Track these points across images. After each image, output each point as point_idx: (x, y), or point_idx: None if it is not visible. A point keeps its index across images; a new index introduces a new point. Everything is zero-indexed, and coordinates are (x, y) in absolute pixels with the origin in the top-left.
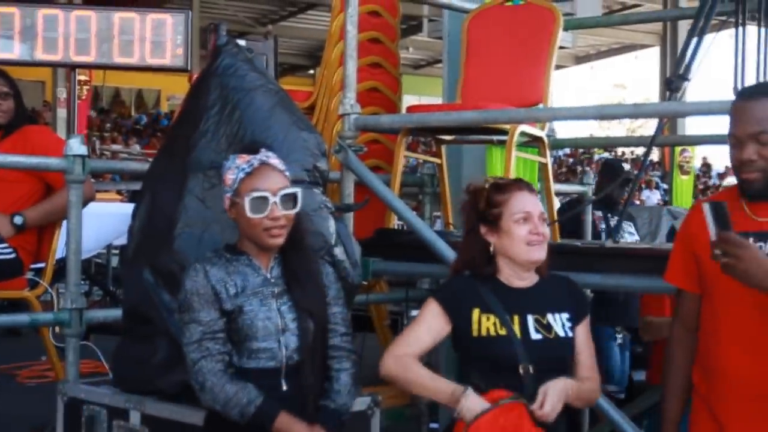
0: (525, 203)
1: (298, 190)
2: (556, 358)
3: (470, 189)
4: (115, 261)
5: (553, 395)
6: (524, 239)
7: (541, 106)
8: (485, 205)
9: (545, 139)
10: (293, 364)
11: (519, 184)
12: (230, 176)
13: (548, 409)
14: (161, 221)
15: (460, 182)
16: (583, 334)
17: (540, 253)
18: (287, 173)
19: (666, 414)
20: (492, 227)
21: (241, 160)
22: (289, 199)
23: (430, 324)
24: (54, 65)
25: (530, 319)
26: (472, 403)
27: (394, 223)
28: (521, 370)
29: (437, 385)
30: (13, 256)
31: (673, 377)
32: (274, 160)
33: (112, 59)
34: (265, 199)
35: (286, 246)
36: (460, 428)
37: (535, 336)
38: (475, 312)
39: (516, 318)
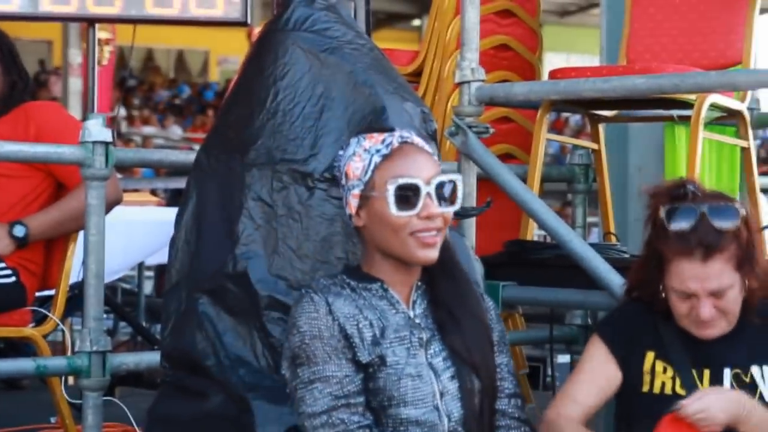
0: (688, 281)
1: (458, 178)
2: None
3: (649, 192)
4: (149, 286)
5: (709, 396)
6: (685, 316)
7: (739, 67)
8: (657, 232)
9: (746, 114)
10: None
11: (691, 245)
12: (357, 164)
13: (692, 402)
14: (216, 232)
15: (625, 175)
16: None
17: (714, 331)
18: (435, 157)
19: None
20: (660, 269)
21: (372, 141)
22: (446, 192)
23: (595, 373)
24: (66, 19)
25: (727, 374)
26: None
27: (533, 233)
28: None
29: None
30: (12, 279)
31: None
32: (418, 139)
33: (144, 10)
34: (415, 188)
35: (433, 269)
36: None
37: None
38: (649, 356)
39: (706, 373)
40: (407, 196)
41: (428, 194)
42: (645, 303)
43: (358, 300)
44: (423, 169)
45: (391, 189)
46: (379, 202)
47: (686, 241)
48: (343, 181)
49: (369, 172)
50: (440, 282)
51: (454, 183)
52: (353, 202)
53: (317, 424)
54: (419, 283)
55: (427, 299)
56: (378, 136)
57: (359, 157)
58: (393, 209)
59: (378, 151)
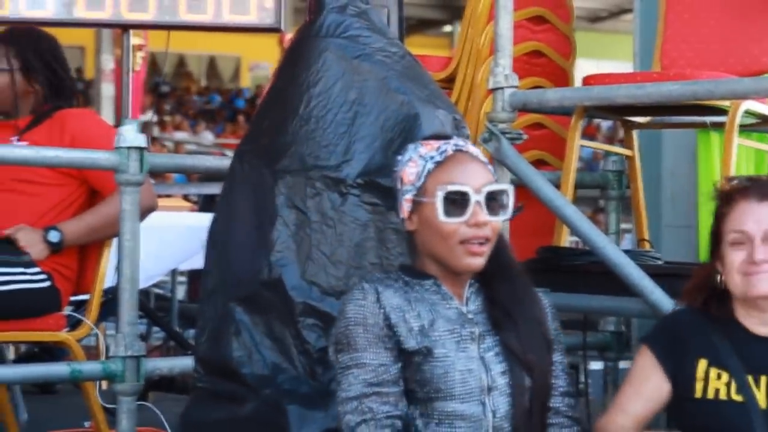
0: (744, 219)
1: (509, 188)
2: None
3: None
4: (182, 292)
5: None
6: (737, 269)
7: None
8: (720, 205)
9: None
10: None
11: (749, 189)
12: (412, 170)
13: None
14: (250, 239)
15: (658, 181)
16: None
17: (765, 286)
18: (490, 167)
19: None
20: (718, 249)
21: (428, 148)
22: (497, 201)
23: (644, 383)
24: (100, 25)
25: None
26: None
27: (566, 239)
28: None
29: None
30: (47, 284)
31: None
32: (473, 148)
33: (177, 17)
34: (464, 195)
35: (489, 269)
36: None
37: None
38: (702, 363)
39: (763, 380)
40: (456, 202)
41: (477, 202)
42: (696, 310)
43: (410, 293)
44: (474, 177)
45: (440, 195)
46: (429, 207)
47: (745, 187)
48: (398, 185)
49: (422, 178)
50: (498, 284)
51: (505, 192)
52: (406, 207)
53: (348, 410)
54: (472, 281)
55: (483, 297)
56: (434, 143)
57: (414, 163)
58: (441, 215)
59: (432, 158)
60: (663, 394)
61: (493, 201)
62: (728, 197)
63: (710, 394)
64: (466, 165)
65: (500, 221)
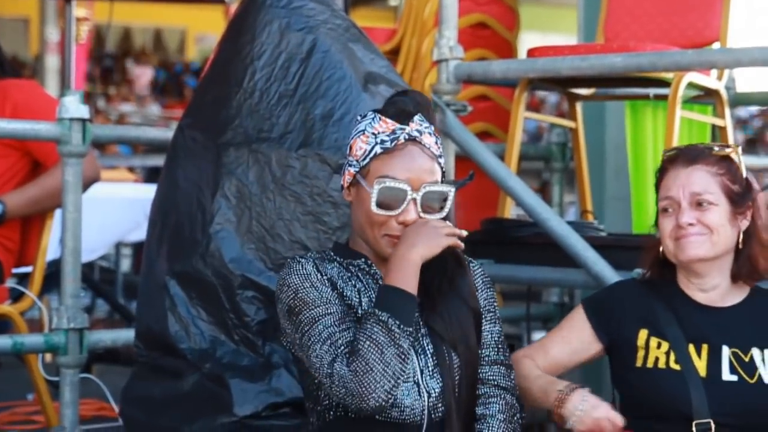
0: (670, 185)
1: (450, 190)
2: (757, 412)
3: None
4: (126, 264)
5: None
6: (668, 235)
7: (717, 45)
8: (655, 190)
9: (723, 92)
10: (438, 419)
11: (677, 156)
12: (362, 144)
13: None
14: (191, 213)
15: (602, 153)
16: None
17: (695, 250)
18: (441, 159)
19: None
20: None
21: (383, 126)
22: (435, 200)
23: (571, 335)
24: None
25: (726, 352)
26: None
27: (510, 210)
28: (695, 428)
29: (542, 385)
30: None
31: None
32: (428, 138)
33: None
34: (400, 192)
35: None
36: None
37: (728, 377)
38: (642, 333)
39: (705, 348)
40: (391, 198)
41: (413, 200)
42: (640, 282)
43: (344, 272)
44: (417, 174)
45: (376, 188)
46: (365, 192)
47: (675, 155)
48: (347, 152)
49: (367, 159)
50: (425, 262)
51: (446, 194)
52: (347, 178)
53: (321, 352)
54: None
55: None
56: (390, 124)
57: (366, 139)
58: (373, 206)
59: (383, 141)
60: (590, 352)
61: (431, 200)
62: (662, 168)
63: (650, 363)
64: (413, 158)
65: (435, 219)
